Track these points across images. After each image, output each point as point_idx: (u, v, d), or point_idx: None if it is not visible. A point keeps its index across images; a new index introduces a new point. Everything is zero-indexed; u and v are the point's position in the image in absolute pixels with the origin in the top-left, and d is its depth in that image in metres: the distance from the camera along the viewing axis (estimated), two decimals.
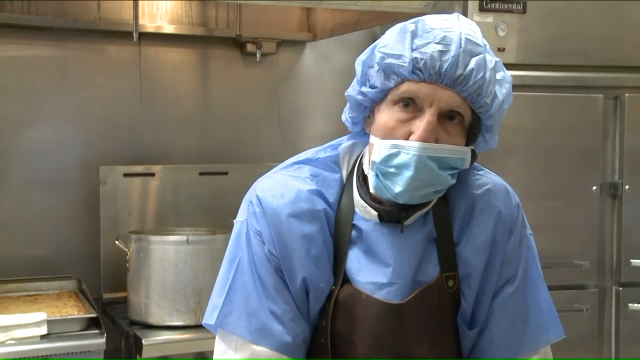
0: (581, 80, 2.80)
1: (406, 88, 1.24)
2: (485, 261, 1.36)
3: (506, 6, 2.68)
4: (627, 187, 2.82)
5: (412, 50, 1.22)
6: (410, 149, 1.22)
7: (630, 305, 2.83)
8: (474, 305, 1.37)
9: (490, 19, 2.66)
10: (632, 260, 2.83)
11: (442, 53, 1.21)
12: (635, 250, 2.83)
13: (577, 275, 2.78)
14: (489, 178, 1.40)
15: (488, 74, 1.24)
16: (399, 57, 1.23)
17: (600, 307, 2.84)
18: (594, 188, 2.80)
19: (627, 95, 2.82)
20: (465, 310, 1.37)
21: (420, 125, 1.22)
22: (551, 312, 1.41)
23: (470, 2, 2.64)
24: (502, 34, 2.67)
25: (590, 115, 2.80)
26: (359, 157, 1.39)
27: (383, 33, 1.31)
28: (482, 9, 2.65)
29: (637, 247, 2.84)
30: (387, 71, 1.25)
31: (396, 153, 1.24)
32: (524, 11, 2.70)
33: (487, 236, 1.35)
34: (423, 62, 1.21)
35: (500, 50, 2.66)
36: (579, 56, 2.79)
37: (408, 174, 1.23)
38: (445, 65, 1.21)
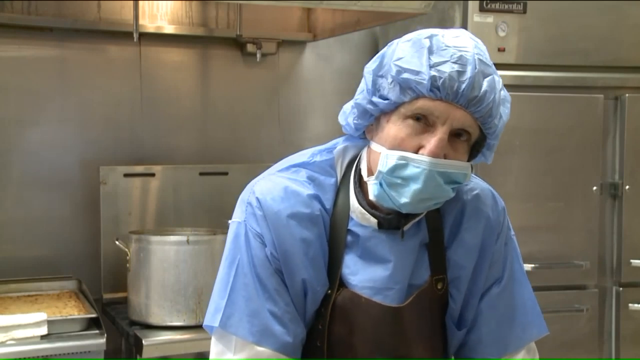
0: (581, 80, 2.80)
1: (421, 104, 1.24)
2: (474, 264, 1.40)
3: (506, 6, 2.68)
4: (627, 187, 2.82)
5: (430, 67, 1.22)
6: (420, 163, 1.24)
7: (630, 305, 2.83)
8: (462, 306, 1.41)
9: (490, 19, 2.66)
10: (632, 260, 2.83)
11: (460, 73, 1.22)
12: (635, 250, 2.83)
13: (577, 275, 2.78)
14: (475, 184, 1.44)
15: (497, 95, 1.26)
16: (417, 73, 1.23)
17: (600, 307, 2.84)
18: (594, 188, 2.80)
19: (627, 95, 2.83)
20: (454, 311, 1.41)
21: (432, 141, 1.23)
22: (534, 309, 1.45)
23: (470, 2, 2.64)
24: (502, 34, 2.67)
25: (590, 115, 2.80)
26: (350, 160, 1.41)
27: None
28: (482, 9, 2.65)
29: (637, 247, 2.84)
30: (403, 85, 1.25)
31: (404, 164, 1.24)
32: (524, 11, 2.70)
33: (476, 240, 1.40)
34: (441, 80, 1.21)
35: (500, 50, 2.66)
36: (579, 56, 2.79)
37: (415, 186, 1.24)
38: (463, 86, 1.22)
